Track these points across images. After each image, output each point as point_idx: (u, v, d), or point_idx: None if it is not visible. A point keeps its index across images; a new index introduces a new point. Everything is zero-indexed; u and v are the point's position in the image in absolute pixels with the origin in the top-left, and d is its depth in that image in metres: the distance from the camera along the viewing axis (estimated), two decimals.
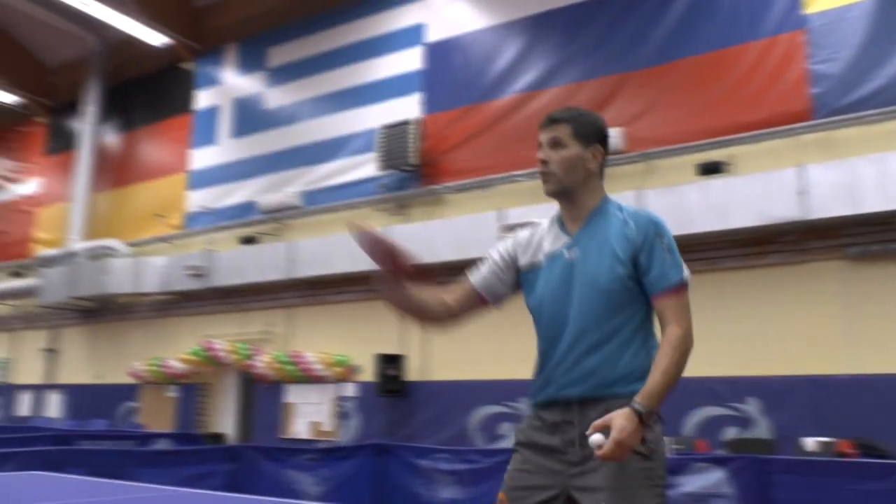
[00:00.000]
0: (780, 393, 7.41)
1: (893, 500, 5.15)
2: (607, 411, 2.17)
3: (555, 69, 9.68)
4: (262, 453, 7.22)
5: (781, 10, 8.25)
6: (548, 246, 2.48)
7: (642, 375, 2.27)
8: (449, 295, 2.54)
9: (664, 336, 2.28)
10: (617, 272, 2.35)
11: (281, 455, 7.35)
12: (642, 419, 2.12)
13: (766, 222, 7.55)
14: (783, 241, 7.75)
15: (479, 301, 2.56)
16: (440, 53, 10.71)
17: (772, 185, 7.58)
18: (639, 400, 2.16)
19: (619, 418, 2.09)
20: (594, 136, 2.49)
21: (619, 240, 2.38)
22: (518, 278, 2.53)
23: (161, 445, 9.04)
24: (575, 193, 2.47)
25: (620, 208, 2.46)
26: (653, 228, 2.37)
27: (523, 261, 2.52)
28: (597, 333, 2.32)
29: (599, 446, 2.07)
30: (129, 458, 6.18)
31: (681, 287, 2.34)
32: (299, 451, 7.57)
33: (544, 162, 2.46)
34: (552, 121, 2.49)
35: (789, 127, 7.93)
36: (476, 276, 2.56)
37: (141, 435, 9.55)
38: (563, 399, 2.33)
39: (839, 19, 7.89)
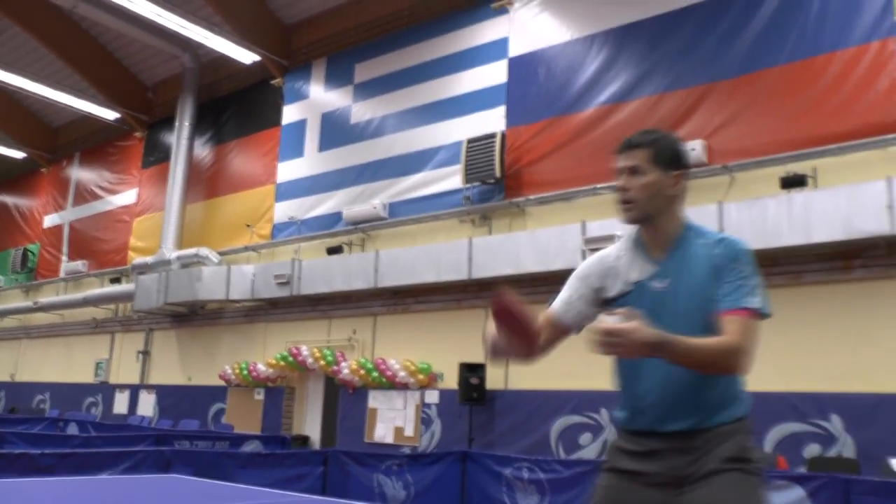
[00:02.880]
0: (866, 410, 7.28)
1: None
2: (708, 441, 2.24)
3: (637, 81, 9.71)
4: (351, 458, 7.51)
5: (872, 18, 8.06)
6: (635, 274, 2.43)
7: (734, 399, 2.33)
8: (544, 332, 2.46)
9: (721, 336, 2.22)
10: (710, 302, 2.30)
11: (369, 460, 7.63)
12: (657, 342, 2.07)
13: (852, 236, 7.45)
14: (870, 255, 7.64)
15: (564, 332, 2.53)
16: (524, 67, 10.87)
17: (859, 197, 7.46)
18: (667, 335, 2.10)
19: (638, 325, 2.05)
20: (674, 160, 2.41)
21: (708, 268, 2.34)
22: (602, 306, 2.45)
23: (252, 447, 9.44)
24: (657, 220, 2.41)
25: (704, 234, 2.42)
26: (737, 253, 2.33)
27: (609, 289, 2.45)
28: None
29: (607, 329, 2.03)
30: (232, 459, 6.54)
31: (754, 312, 2.26)
32: (387, 457, 7.83)
33: (624, 190, 2.40)
34: (630, 146, 2.42)
35: (880, 138, 7.79)
36: (560, 308, 2.52)
37: (233, 436, 9.99)
38: (661, 431, 2.31)
39: None
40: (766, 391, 7.78)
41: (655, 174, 2.38)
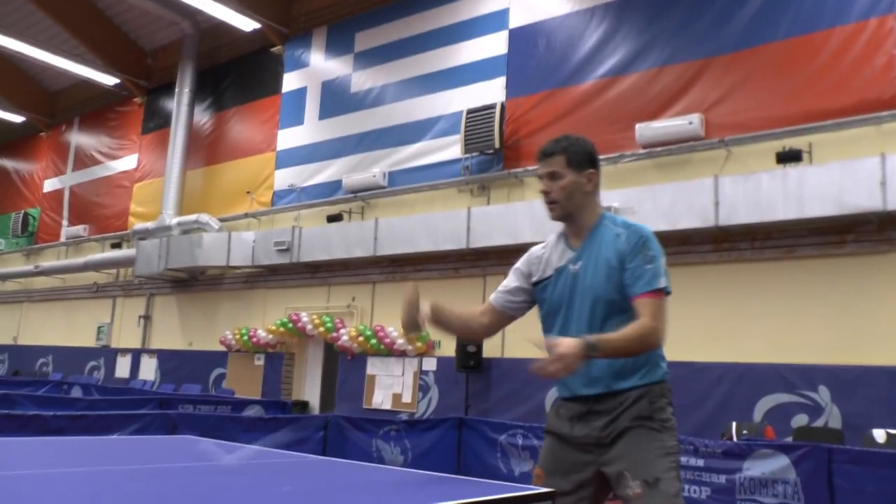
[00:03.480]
0: (852, 382, 7.47)
1: None
2: (621, 404, 2.66)
3: (636, 54, 9.76)
4: (351, 423, 7.70)
5: None
6: (555, 261, 2.87)
7: (646, 366, 2.70)
8: (483, 316, 2.99)
9: (635, 322, 2.62)
10: (613, 281, 2.71)
11: (368, 425, 7.82)
12: (585, 350, 2.48)
13: (844, 212, 7.57)
14: (862, 230, 7.78)
15: (506, 318, 3.00)
16: (524, 38, 10.91)
17: (852, 173, 7.56)
18: (591, 338, 2.53)
19: (567, 341, 2.49)
20: (586, 161, 2.85)
21: (613, 251, 2.74)
22: (533, 291, 2.92)
23: (254, 411, 9.64)
24: (576, 215, 2.84)
25: (615, 221, 2.83)
26: (639, 240, 2.73)
27: (536, 276, 2.91)
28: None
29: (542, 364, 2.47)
30: (235, 422, 6.72)
31: (658, 292, 2.66)
32: (385, 423, 8.03)
33: (546, 193, 2.84)
34: (546, 154, 2.85)
35: (874, 115, 7.88)
36: (498, 299, 2.98)
37: (234, 401, 10.18)
38: (582, 396, 2.74)
39: None
40: (757, 362, 7.98)
41: (571, 176, 2.82)
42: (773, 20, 8.74)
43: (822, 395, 7.61)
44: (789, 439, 7.25)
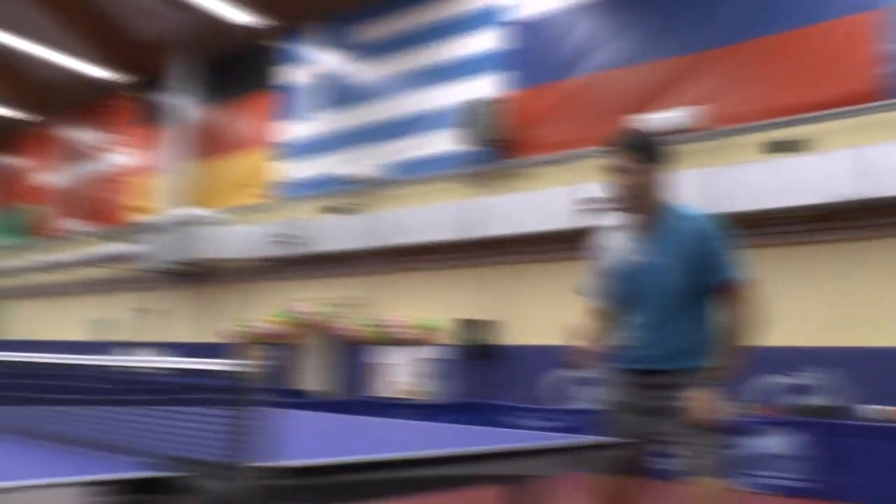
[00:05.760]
0: (840, 363, 7.85)
1: None
2: (679, 379, 2.97)
3: (634, 48, 10.03)
4: (365, 406, 8.00)
5: None
6: (628, 253, 3.08)
7: (703, 351, 2.99)
8: (602, 321, 3.24)
9: (728, 314, 2.95)
10: (684, 270, 2.96)
11: (381, 409, 8.12)
12: (714, 393, 2.90)
13: (830, 199, 7.91)
14: (845, 217, 8.10)
15: (612, 315, 3.23)
16: (523, 31, 11.12)
17: (837, 163, 7.90)
18: (712, 377, 2.92)
19: (700, 398, 2.89)
20: (654, 155, 3.05)
21: (684, 242, 2.98)
22: (611, 279, 3.17)
23: None
24: (645, 207, 3.04)
25: (683, 212, 3.05)
26: (710, 231, 2.98)
27: (613, 264, 3.14)
28: (671, 321, 2.98)
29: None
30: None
31: (740, 282, 2.95)
32: (397, 406, 8.33)
33: (617, 187, 3.04)
34: (618, 149, 3.06)
35: (855, 108, 8.22)
36: (598, 300, 3.24)
37: None
38: (656, 370, 3.04)
39: None
40: (751, 346, 8.31)
41: (640, 171, 3.01)
42: (764, 15, 9.04)
43: (813, 376, 7.97)
44: (783, 417, 7.59)
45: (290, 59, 14.19)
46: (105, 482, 1.82)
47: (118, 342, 15.96)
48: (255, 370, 1.78)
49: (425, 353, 11.18)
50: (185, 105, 15.48)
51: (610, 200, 3.08)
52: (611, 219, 3.22)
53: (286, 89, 14.17)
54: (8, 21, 16.41)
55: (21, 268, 18.80)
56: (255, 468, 1.74)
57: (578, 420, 7.61)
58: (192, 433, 2.07)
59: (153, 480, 1.89)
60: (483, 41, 11.50)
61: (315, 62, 13.82)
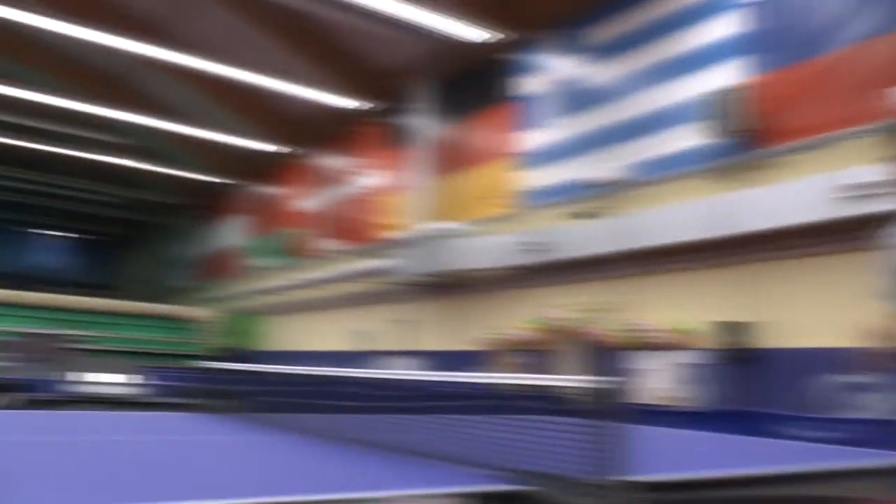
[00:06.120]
0: None
1: None
2: None
3: (892, 13, 9.12)
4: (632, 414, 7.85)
5: None
6: None
7: None
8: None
9: None
10: None
11: (644, 417, 7.93)
12: None
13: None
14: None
15: None
16: (762, 10, 10.50)
17: None
18: None
19: None
20: None
21: None
22: None
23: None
24: None
25: None
26: None
27: None
28: None
29: None
30: None
31: None
32: (659, 413, 8.10)
33: None
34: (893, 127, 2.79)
35: None
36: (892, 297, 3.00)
37: None
38: None
39: None
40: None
41: None
42: None
43: None
44: None
45: (524, 69, 14.37)
46: (466, 494, 1.88)
47: (377, 351, 16.95)
48: (615, 386, 1.77)
49: (682, 357, 10.80)
50: (426, 125, 16.16)
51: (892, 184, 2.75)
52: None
53: (523, 99, 14.35)
54: (261, 63, 17.97)
55: (286, 286, 20.63)
56: (626, 483, 1.73)
57: (858, 431, 6.95)
58: (534, 445, 2.10)
59: (510, 494, 1.92)
60: (720, 27, 10.97)
61: (550, 69, 13.89)
